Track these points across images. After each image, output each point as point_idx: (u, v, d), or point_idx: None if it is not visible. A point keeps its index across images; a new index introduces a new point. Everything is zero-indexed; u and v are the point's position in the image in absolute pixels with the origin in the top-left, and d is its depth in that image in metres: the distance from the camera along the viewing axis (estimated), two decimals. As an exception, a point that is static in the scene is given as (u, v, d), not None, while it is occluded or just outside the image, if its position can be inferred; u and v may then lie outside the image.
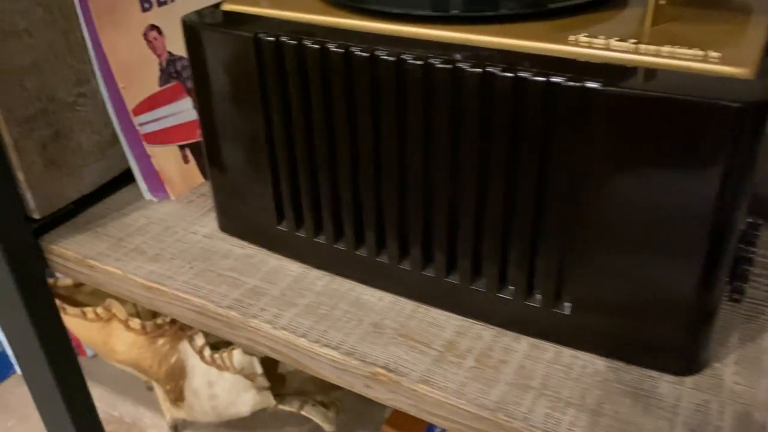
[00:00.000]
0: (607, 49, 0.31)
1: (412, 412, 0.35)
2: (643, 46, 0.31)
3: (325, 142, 0.38)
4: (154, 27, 0.49)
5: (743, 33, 0.33)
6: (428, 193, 0.36)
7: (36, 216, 0.45)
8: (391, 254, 0.39)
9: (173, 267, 0.43)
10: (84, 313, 0.67)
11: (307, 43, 0.35)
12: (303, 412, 0.67)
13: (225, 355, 0.64)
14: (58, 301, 0.52)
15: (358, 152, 0.37)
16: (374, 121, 0.36)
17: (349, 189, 0.38)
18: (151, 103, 0.49)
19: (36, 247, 0.46)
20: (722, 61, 0.29)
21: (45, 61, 0.43)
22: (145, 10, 0.48)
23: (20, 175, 0.44)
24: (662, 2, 0.34)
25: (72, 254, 0.45)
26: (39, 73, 0.43)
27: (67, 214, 0.48)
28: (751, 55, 0.30)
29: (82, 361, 0.77)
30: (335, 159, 0.38)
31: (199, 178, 0.53)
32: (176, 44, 0.50)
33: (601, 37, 0.32)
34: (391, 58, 0.33)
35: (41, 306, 0.47)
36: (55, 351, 0.49)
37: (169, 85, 0.50)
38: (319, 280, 0.41)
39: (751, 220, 0.34)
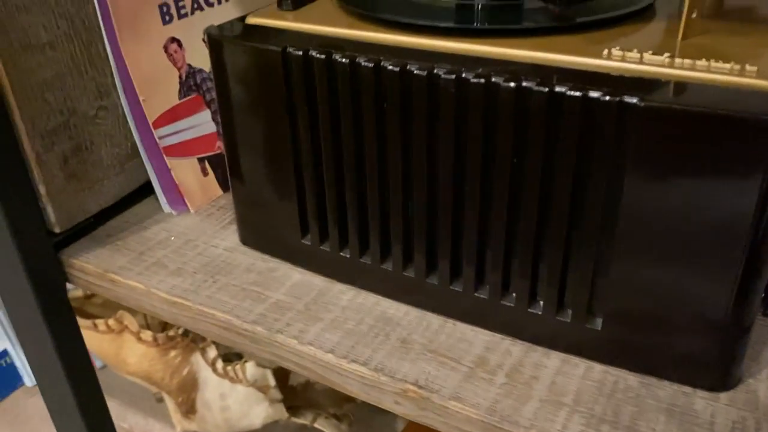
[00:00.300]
0: (642, 62, 0.31)
1: (443, 429, 0.35)
2: (678, 60, 0.31)
3: (353, 156, 0.37)
4: (174, 40, 0.48)
5: (776, 46, 0.33)
6: (458, 207, 0.36)
7: (56, 230, 0.45)
8: (418, 268, 0.39)
9: (196, 281, 0.43)
10: (95, 325, 0.67)
11: (337, 57, 0.35)
12: (316, 425, 0.67)
13: (238, 367, 0.64)
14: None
15: (387, 166, 0.37)
16: (404, 136, 0.35)
17: (377, 203, 0.38)
18: (171, 116, 0.49)
19: (56, 261, 0.46)
20: (760, 75, 0.29)
21: (67, 74, 0.43)
22: (166, 23, 0.47)
23: (41, 189, 0.43)
24: (694, 16, 0.34)
25: (93, 268, 0.45)
26: (61, 87, 0.43)
27: (87, 228, 0.48)
28: (787, 69, 0.30)
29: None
30: (363, 173, 0.38)
31: (217, 191, 0.52)
32: (196, 57, 0.50)
33: (634, 50, 0.32)
34: (422, 73, 0.33)
35: (62, 321, 0.47)
36: (74, 365, 0.48)
37: (188, 98, 0.50)
38: (344, 294, 0.41)
39: (785, 235, 0.34)
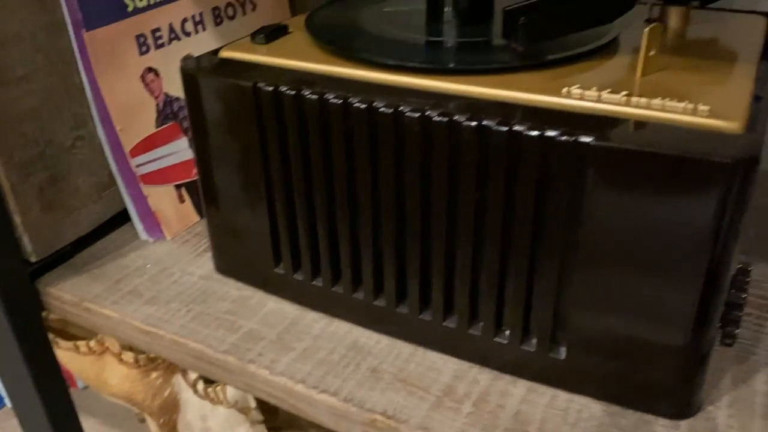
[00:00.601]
0: (599, 101, 0.32)
1: (411, 457, 0.35)
2: (634, 99, 0.32)
3: (324, 188, 0.38)
4: (151, 69, 0.49)
5: (731, 83, 0.34)
6: (425, 239, 0.36)
7: (33, 259, 0.45)
8: (388, 298, 0.39)
9: (170, 310, 0.43)
10: (77, 347, 0.67)
11: (306, 93, 0.36)
12: (297, 447, 0.67)
13: (219, 389, 0.64)
14: (50, 335, 0.52)
15: (357, 199, 0.37)
16: (372, 170, 0.36)
17: (347, 234, 0.39)
18: (147, 144, 0.49)
19: (33, 290, 0.46)
20: (711, 115, 0.30)
21: (44, 106, 0.44)
22: (142, 53, 0.48)
23: (17, 219, 0.44)
24: (652, 53, 0.35)
25: (69, 297, 0.45)
26: (38, 118, 0.44)
27: (64, 256, 0.48)
28: (739, 108, 0.31)
29: (74, 393, 0.77)
30: (333, 205, 0.38)
31: (194, 217, 0.53)
32: (173, 85, 0.50)
33: (593, 88, 0.33)
34: (388, 110, 0.34)
35: (37, 349, 0.47)
36: (50, 393, 0.49)
37: (165, 126, 0.50)
38: (317, 322, 0.42)
39: (741, 266, 0.35)
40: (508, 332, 0.37)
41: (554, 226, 0.33)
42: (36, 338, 0.47)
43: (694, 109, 0.31)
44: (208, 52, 0.42)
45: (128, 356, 0.65)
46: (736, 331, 0.34)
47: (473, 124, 0.32)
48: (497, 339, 0.37)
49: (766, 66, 0.38)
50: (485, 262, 0.35)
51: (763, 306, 0.41)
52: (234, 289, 0.45)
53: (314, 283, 0.42)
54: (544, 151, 0.31)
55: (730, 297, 0.34)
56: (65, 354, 0.61)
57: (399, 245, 0.38)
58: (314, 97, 0.36)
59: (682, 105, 0.31)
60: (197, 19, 0.52)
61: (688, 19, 0.43)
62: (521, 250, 0.34)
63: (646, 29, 0.34)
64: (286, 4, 0.60)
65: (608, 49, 0.39)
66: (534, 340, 0.36)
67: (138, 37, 0.48)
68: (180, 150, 0.52)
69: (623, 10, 0.37)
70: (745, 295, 0.33)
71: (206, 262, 0.48)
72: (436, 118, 0.33)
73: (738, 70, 0.36)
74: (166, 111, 0.51)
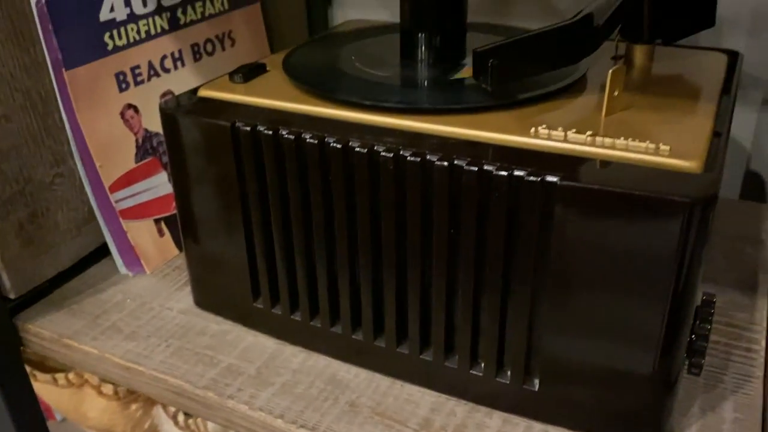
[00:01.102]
0: (566, 141, 0.34)
1: (389, 491, 0.36)
2: (599, 139, 0.33)
3: (301, 224, 0.39)
4: (131, 106, 0.50)
5: (692, 121, 0.35)
6: (401, 274, 0.37)
7: (12, 296, 0.46)
8: (365, 332, 0.40)
9: (150, 345, 0.44)
10: (55, 380, 0.66)
11: (284, 132, 0.37)
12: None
13: (199, 420, 0.64)
14: (28, 368, 0.52)
15: (333, 235, 0.38)
16: (348, 207, 0.37)
17: (325, 269, 0.39)
18: (127, 180, 0.50)
19: (11, 326, 0.46)
20: (672, 154, 0.32)
21: (23, 144, 0.44)
22: (122, 90, 0.49)
23: (-4, 256, 0.44)
24: (616, 93, 0.36)
25: (48, 333, 0.45)
26: (17, 157, 0.44)
27: (43, 291, 0.48)
28: (698, 147, 0.32)
29: (52, 425, 0.76)
30: (311, 241, 0.39)
31: (174, 251, 0.53)
32: (153, 121, 0.51)
33: (559, 128, 0.34)
34: (363, 150, 0.35)
35: (14, 383, 0.47)
36: (26, 425, 0.48)
37: (145, 161, 0.51)
38: (295, 357, 0.42)
39: (705, 297, 0.36)
40: (483, 364, 0.37)
41: (524, 260, 0.33)
42: (14, 374, 0.47)
43: (656, 148, 0.32)
44: (187, 92, 0.43)
45: (108, 388, 0.65)
46: (702, 361, 0.35)
47: (445, 164, 0.33)
48: (473, 371, 0.38)
49: (726, 102, 0.40)
50: (459, 295, 0.36)
51: (732, 334, 0.43)
52: (213, 323, 0.45)
53: (293, 317, 0.42)
54: (513, 189, 0.32)
55: (696, 328, 0.35)
56: (43, 387, 0.60)
57: (375, 280, 0.38)
58: (291, 137, 0.37)
59: (644, 145, 0.32)
60: (176, 55, 0.53)
61: (653, 56, 0.45)
62: (493, 284, 0.35)
63: (610, 71, 0.35)
64: (264, 39, 0.61)
65: (575, 87, 0.40)
66: (509, 372, 0.37)
67: (118, 74, 0.48)
68: (159, 184, 0.52)
69: (588, 51, 0.38)
70: (710, 327, 0.34)
71: (186, 296, 0.48)
72: (410, 158, 0.34)
73: (699, 108, 0.37)
74: (145, 146, 0.51)
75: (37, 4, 0.43)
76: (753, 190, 0.61)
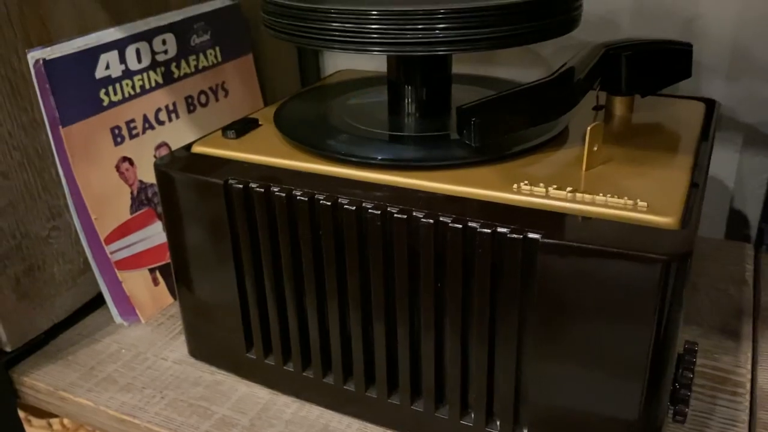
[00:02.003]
0: (547, 197, 0.35)
1: None
2: (579, 195, 0.34)
3: (292, 277, 0.40)
4: (126, 159, 0.51)
5: (669, 174, 0.37)
6: (390, 326, 0.38)
7: (8, 349, 0.46)
8: (357, 382, 0.41)
9: (145, 397, 0.44)
10: (50, 425, 0.66)
11: (275, 190, 0.38)
12: None
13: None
14: (23, 414, 0.52)
15: (324, 287, 0.39)
16: (338, 260, 0.38)
17: (316, 321, 0.40)
18: (122, 231, 0.51)
19: (7, 379, 0.46)
20: (649, 210, 0.33)
21: (20, 200, 0.45)
22: (117, 144, 0.50)
23: (-7, 311, 0.45)
24: (595, 148, 0.38)
25: (43, 386, 0.46)
26: (14, 212, 0.45)
27: (38, 343, 0.49)
28: (674, 202, 0.33)
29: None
30: (302, 293, 0.40)
31: (168, 299, 0.54)
32: (147, 172, 0.52)
33: (541, 184, 0.35)
34: (352, 207, 0.36)
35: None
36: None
37: (140, 212, 0.52)
38: (288, 407, 0.43)
39: (687, 346, 0.37)
40: (473, 414, 0.38)
41: (509, 312, 0.34)
42: (8, 424, 0.47)
43: (634, 204, 0.33)
44: (181, 148, 0.44)
45: (103, 435, 0.65)
46: (687, 409, 0.36)
47: (431, 221, 0.34)
48: (463, 421, 0.38)
49: (704, 152, 0.41)
50: (447, 346, 0.37)
51: (717, 377, 0.43)
52: (207, 373, 0.46)
53: (285, 368, 0.43)
54: (497, 245, 0.33)
55: (679, 377, 0.36)
56: (38, 434, 0.60)
57: (366, 331, 0.39)
58: (282, 194, 0.38)
59: (622, 201, 0.33)
60: (171, 108, 0.54)
61: (632, 106, 0.46)
62: (480, 336, 0.36)
63: (589, 128, 0.37)
64: (257, 89, 0.62)
65: (557, 139, 0.42)
66: (498, 422, 0.37)
67: (113, 129, 0.50)
68: (154, 234, 0.53)
69: (568, 108, 0.40)
70: (693, 375, 0.35)
71: (180, 346, 0.49)
72: (397, 215, 0.35)
73: (676, 160, 0.38)
74: (140, 197, 0.52)
75: (35, 65, 0.44)
76: (737, 229, 0.62)
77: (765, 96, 0.57)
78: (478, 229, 0.33)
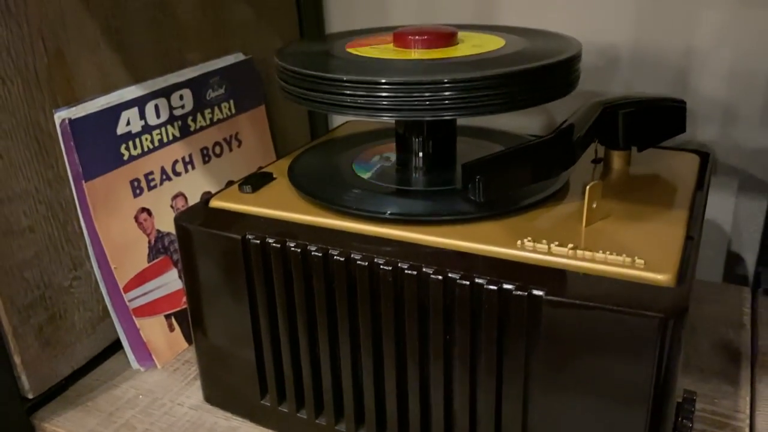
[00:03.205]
0: (549, 254, 0.37)
1: None
2: (579, 252, 0.36)
3: (306, 328, 0.42)
4: (144, 209, 0.53)
5: (666, 229, 0.39)
6: (401, 377, 0.40)
7: (30, 396, 0.48)
8: (368, 429, 0.42)
9: (162, 443, 0.46)
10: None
11: (290, 245, 0.40)
12: None
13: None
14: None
15: (337, 338, 0.41)
16: (351, 312, 0.40)
17: (329, 370, 0.42)
18: (140, 279, 0.53)
19: (29, 426, 0.48)
20: (647, 267, 0.35)
21: (44, 252, 0.47)
22: (136, 195, 0.52)
23: (17, 359, 0.46)
24: (594, 206, 0.40)
25: (64, 432, 0.47)
26: (39, 264, 0.47)
27: (59, 389, 0.50)
28: (671, 259, 0.35)
29: None
30: (316, 343, 0.42)
31: (183, 344, 0.56)
32: (164, 222, 0.54)
33: (543, 241, 0.37)
34: (364, 263, 0.38)
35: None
36: None
37: (157, 260, 0.54)
38: (302, 453, 0.44)
39: (686, 395, 0.39)
40: (480, 462, 0.39)
41: (515, 364, 0.36)
42: (29, 472, 0.49)
43: (632, 262, 0.35)
44: (200, 202, 0.46)
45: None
46: (687, 457, 0.37)
47: (440, 277, 0.36)
48: (471, 469, 0.40)
49: (698, 203, 0.43)
50: (456, 396, 0.39)
51: (717, 422, 0.45)
52: (222, 419, 0.47)
53: (299, 415, 0.44)
54: (503, 300, 0.35)
55: (678, 425, 0.37)
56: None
57: (377, 381, 0.41)
58: (297, 249, 0.40)
59: (621, 258, 0.35)
60: (187, 159, 0.56)
61: (630, 159, 0.48)
62: (487, 385, 0.37)
63: (588, 186, 0.39)
64: (269, 138, 0.65)
65: (558, 194, 0.44)
66: (505, 470, 0.39)
67: (132, 181, 0.52)
68: (170, 281, 0.55)
69: (568, 165, 0.42)
70: (691, 425, 0.37)
71: (196, 392, 0.50)
72: (407, 271, 0.37)
73: (672, 214, 0.40)
74: (157, 246, 0.54)
75: (61, 124, 0.47)
76: (735, 272, 0.64)
77: (757, 143, 0.59)
78: (485, 286, 0.35)
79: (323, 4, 0.72)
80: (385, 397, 0.41)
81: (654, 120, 0.46)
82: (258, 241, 0.41)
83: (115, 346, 0.54)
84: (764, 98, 0.58)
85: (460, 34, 0.48)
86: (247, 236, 0.41)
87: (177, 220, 0.44)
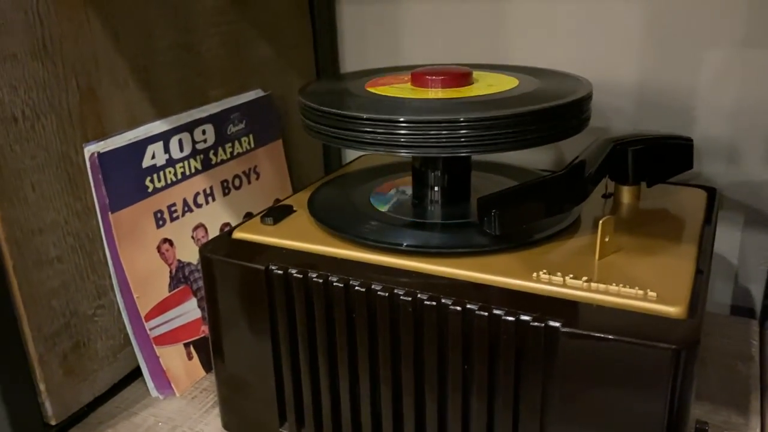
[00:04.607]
0: (564, 286, 0.38)
1: None
2: (593, 284, 0.38)
3: (327, 357, 0.43)
4: (166, 240, 0.55)
5: (676, 262, 0.40)
6: (419, 406, 0.41)
7: (53, 422, 0.49)
8: (386, 457, 0.43)
9: (183, 470, 0.46)
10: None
11: (312, 276, 0.41)
12: None
13: None
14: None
15: (357, 368, 0.42)
16: (371, 342, 0.41)
17: (348, 400, 0.43)
18: (161, 308, 0.54)
19: (51, 453, 0.49)
20: (659, 300, 0.36)
21: (71, 281, 0.49)
22: (159, 227, 0.54)
23: (42, 386, 0.47)
24: (607, 240, 0.41)
25: (85, 459, 0.48)
26: (65, 293, 0.48)
27: (81, 416, 0.51)
28: (682, 292, 0.37)
29: None
30: (336, 373, 0.43)
31: (201, 372, 0.57)
32: (185, 252, 0.56)
33: (558, 273, 0.39)
34: (384, 294, 0.39)
35: None
36: None
37: (177, 290, 0.55)
38: (320, 480, 0.45)
39: (698, 426, 0.39)
40: (497, 489, 0.40)
41: (532, 391, 0.37)
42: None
43: (645, 295, 0.36)
44: (223, 234, 0.47)
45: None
46: (700, 486, 0.38)
47: (458, 308, 0.37)
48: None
49: (707, 238, 0.44)
50: (473, 425, 0.40)
51: (727, 452, 0.46)
52: (241, 446, 0.48)
53: (318, 442, 0.45)
54: (520, 331, 0.36)
55: (691, 455, 0.38)
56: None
57: (396, 410, 0.42)
58: (319, 280, 0.41)
59: (633, 291, 0.37)
60: (208, 192, 0.58)
61: (639, 194, 0.50)
62: (504, 414, 0.38)
63: (601, 222, 0.40)
64: (285, 171, 0.67)
65: (571, 228, 0.45)
66: (521, 497, 0.40)
67: (156, 212, 0.54)
68: (189, 310, 0.56)
69: (580, 200, 0.43)
70: (704, 454, 0.38)
71: (214, 419, 0.51)
72: (427, 302, 0.38)
73: (682, 248, 0.42)
74: (178, 276, 0.56)
75: (90, 157, 0.48)
76: (742, 304, 0.65)
77: (762, 179, 0.61)
78: (503, 317, 0.36)
79: (339, 44, 0.74)
80: (403, 427, 0.42)
81: (662, 157, 0.48)
82: (281, 272, 0.42)
83: (135, 374, 0.55)
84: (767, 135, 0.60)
85: (475, 74, 0.50)
86: (270, 267, 0.43)
87: (202, 251, 0.46)
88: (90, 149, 0.49)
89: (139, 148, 0.52)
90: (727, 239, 0.64)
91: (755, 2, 0.56)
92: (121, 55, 0.50)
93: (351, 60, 0.74)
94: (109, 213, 0.50)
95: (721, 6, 0.58)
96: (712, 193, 0.51)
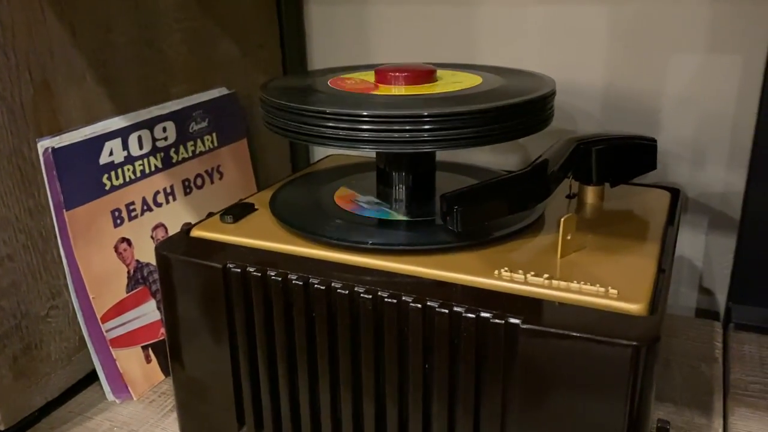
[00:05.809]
0: (526, 283, 0.37)
1: None
2: (554, 282, 0.37)
3: (285, 357, 0.42)
4: (124, 239, 0.53)
5: (638, 261, 0.40)
6: (380, 406, 0.40)
7: (1, 428, 0.47)
8: (347, 460, 0.42)
9: (137, 476, 0.45)
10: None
11: (271, 274, 0.40)
12: None
13: None
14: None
15: (316, 368, 0.41)
16: (330, 341, 0.40)
17: (307, 400, 0.42)
18: (118, 309, 0.52)
19: (-2, 459, 0.47)
20: (620, 297, 0.36)
21: (23, 281, 0.47)
22: (117, 225, 0.52)
23: (-10, 390, 0.46)
24: (569, 238, 0.41)
25: (35, 465, 0.46)
26: (16, 293, 0.47)
27: (32, 421, 0.49)
28: (643, 290, 0.36)
29: None
30: (294, 373, 0.42)
31: (160, 376, 0.55)
32: (144, 252, 0.54)
33: (520, 271, 0.38)
34: (344, 292, 0.38)
35: None
36: None
37: (135, 291, 0.54)
38: (279, 485, 0.44)
39: (660, 425, 0.39)
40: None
41: (493, 389, 0.36)
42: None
43: (606, 292, 0.36)
44: (181, 232, 0.46)
45: None
46: (661, 487, 0.37)
47: (419, 305, 0.37)
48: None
49: (669, 238, 0.44)
50: (435, 424, 0.39)
51: (690, 453, 0.45)
52: (199, 451, 0.47)
53: (276, 446, 0.44)
54: (481, 329, 0.36)
55: (652, 454, 0.38)
56: None
57: (356, 411, 0.41)
58: (278, 278, 0.40)
59: (594, 288, 0.36)
60: (168, 191, 0.57)
61: (603, 194, 0.50)
62: (465, 413, 0.37)
63: (562, 219, 0.40)
64: (250, 171, 0.66)
65: (534, 226, 0.45)
66: (483, 499, 0.39)
67: (113, 211, 0.52)
68: (148, 312, 0.55)
69: (542, 198, 0.43)
70: (664, 453, 0.37)
71: (172, 423, 0.50)
72: (387, 299, 0.37)
73: (644, 247, 0.42)
74: (136, 276, 0.54)
75: (44, 153, 0.47)
76: (706, 307, 0.65)
77: (726, 183, 0.61)
78: (463, 314, 0.36)
79: (307, 42, 0.74)
80: (364, 428, 0.41)
81: (626, 157, 0.48)
82: (239, 270, 0.41)
83: (91, 378, 0.53)
84: (732, 140, 0.60)
85: (439, 72, 0.50)
86: (228, 265, 0.42)
87: (158, 249, 0.44)
88: (44, 144, 0.47)
89: (96, 144, 0.50)
90: (692, 243, 0.64)
91: (720, 9, 0.57)
92: (79, 49, 0.49)
93: (319, 60, 0.74)
94: (64, 210, 0.48)
95: (688, 12, 0.58)
96: (675, 193, 0.51)
